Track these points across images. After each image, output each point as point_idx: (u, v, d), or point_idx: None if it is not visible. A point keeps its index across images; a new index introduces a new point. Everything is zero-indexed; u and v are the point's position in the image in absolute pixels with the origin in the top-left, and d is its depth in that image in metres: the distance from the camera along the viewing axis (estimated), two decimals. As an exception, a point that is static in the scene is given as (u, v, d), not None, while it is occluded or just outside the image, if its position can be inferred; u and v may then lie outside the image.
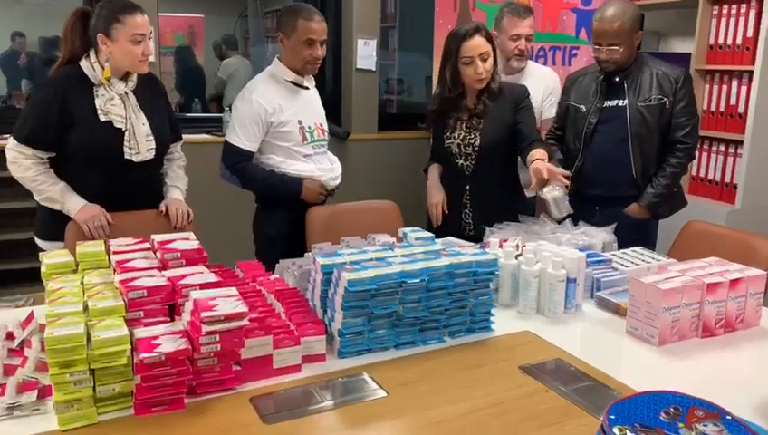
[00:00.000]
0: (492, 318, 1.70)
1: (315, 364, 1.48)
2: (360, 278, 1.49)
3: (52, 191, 2.17)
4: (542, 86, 2.95)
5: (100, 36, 2.13)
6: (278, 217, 2.51)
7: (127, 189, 2.25)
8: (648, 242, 2.53)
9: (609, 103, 2.55)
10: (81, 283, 1.52)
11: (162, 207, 2.27)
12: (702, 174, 3.50)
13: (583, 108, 2.60)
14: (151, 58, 3.86)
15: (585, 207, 2.55)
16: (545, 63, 3.24)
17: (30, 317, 1.55)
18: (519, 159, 2.45)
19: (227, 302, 1.35)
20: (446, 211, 2.54)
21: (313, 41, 2.38)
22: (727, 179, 3.39)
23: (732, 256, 1.90)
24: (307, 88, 2.51)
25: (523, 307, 1.81)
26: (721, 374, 1.52)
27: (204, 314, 1.29)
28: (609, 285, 1.90)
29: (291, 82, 2.46)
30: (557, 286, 1.77)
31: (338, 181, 2.58)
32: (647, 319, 1.62)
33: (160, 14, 4.15)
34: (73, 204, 2.15)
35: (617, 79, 2.52)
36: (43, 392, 1.29)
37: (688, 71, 2.94)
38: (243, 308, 1.33)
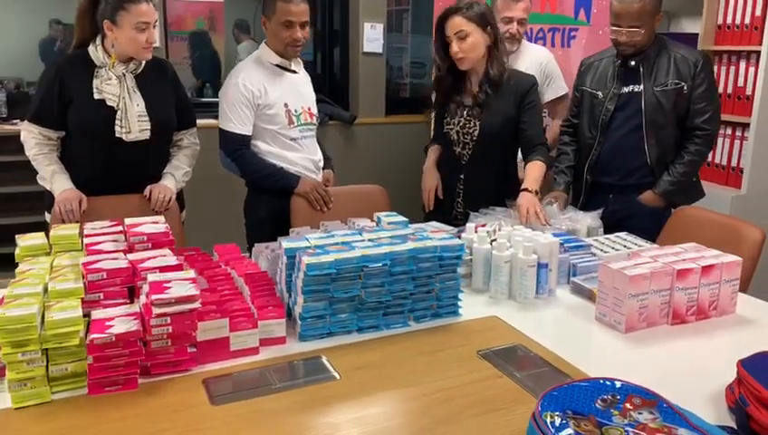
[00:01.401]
0: (459, 303, 1.69)
1: (275, 347, 1.49)
2: (320, 262, 1.50)
3: (44, 171, 2.28)
4: (537, 68, 2.89)
5: (106, 23, 2.20)
6: (267, 200, 2.52)
7: (123, 170, 2.30)
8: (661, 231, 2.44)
9: (625, 89, 2.46)
10: (52, 265, 1.55)
11: (146, 191, 2.30)
12: (708, 158, 3.40)
13: (600, 94, 2.51)
14: (156, 44, 3.90)
15: (599, 195, 2.52)
16: (544, 45, 3.18)
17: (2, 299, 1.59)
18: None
19: (182, 285, 1.36)
20: (440, 196, 2.52)
21: (292, 23, 2.38)
22: (734, 163, 3.30)
23: (719, 243, 1.86)
24: (294, 72, 2.51)
25: (494, 292, 1.80)
26: (687, 362, 1.49)
27: (154, 297, 1.31)
28: (585, 270, 1.88)
29: (276, 65, 2.46)
30: (528, 271, 1.76)
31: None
32: (614, 305, 1.60)
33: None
34: (58, 186, 2.22)
35: (632, 63, 2.44)
36: (2, 371, 1.33)
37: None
38: (194, 291, 1.34)
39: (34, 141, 2.26)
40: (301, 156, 2.50)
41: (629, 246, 2.02)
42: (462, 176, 2.45)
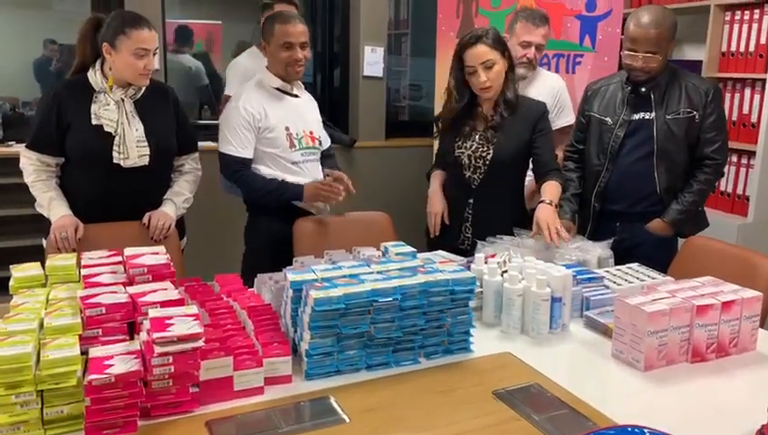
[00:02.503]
0: (471, 339, 1.63)
1: (280, 386, 1.43)
2: (328, 297, 1.44)
3: (42, 198, 2.23)
4: (550, 95, 2.84)
5: (105, 46, 2.17)
6: (266, 226, 2.46)
7: (122, 196, 2.25)
8: (669, 261, 2.36)
9: (635, 116, 2.42)
10: (48, 298, 1.49)
11: (145, 218, 2.24)
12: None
13: (609, 120, 2.46)
14: (156, 66, 3.87)
15: (606, 223, 2.47)
16: (548, 70, 3.15)
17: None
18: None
19: (184, 322, 1.30)
20: (447, 222, 2.47)
21: (291, 44, 2.35)
22: (740, 191, 3.27)
23: (732, 275, 1.81)
24: (296, 96, 2.47)
25: (506, 327, 1.74)
26: (710, 402, 1.44)
27: (156, 335, 1.24)
28: (599, 304, 1.82)
29: (277, 88, 2.43)
30: (541, 306, 1.70)
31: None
32: (632, 342, 1.54)
33: (180, 20, 4.17)
34: (55, 213, 2.17)
35: (643, 90, 2.40)
36: (-7, 413, 1.26)
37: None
38: (198, 329, 1.28)
39: (33, 168, 2.22)
40: (303, 180, 2.45)
41: (643, 279, 1.96)
42: (471, 201, 2.40)
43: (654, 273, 2.03)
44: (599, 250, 2.16)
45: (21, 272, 1.62)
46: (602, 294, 1.85)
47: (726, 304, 1.59)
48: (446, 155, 2.43)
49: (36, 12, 6.12)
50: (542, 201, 2.20)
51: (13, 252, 3.52)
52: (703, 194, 2.43)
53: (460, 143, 2.38)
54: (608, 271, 2.04)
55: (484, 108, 2.35)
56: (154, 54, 2.21)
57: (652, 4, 3.16)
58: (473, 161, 2.36)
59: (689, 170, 2.42)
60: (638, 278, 1.97)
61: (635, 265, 2.09)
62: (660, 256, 2.27)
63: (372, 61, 4.45)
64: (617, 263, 2.17)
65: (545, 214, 2.14)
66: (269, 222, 2.46)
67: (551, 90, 2.85)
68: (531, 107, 2.36)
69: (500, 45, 2.27)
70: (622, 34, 2.59)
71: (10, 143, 3.71)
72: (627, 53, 2.37)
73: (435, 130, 2.51)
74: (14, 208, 3.43)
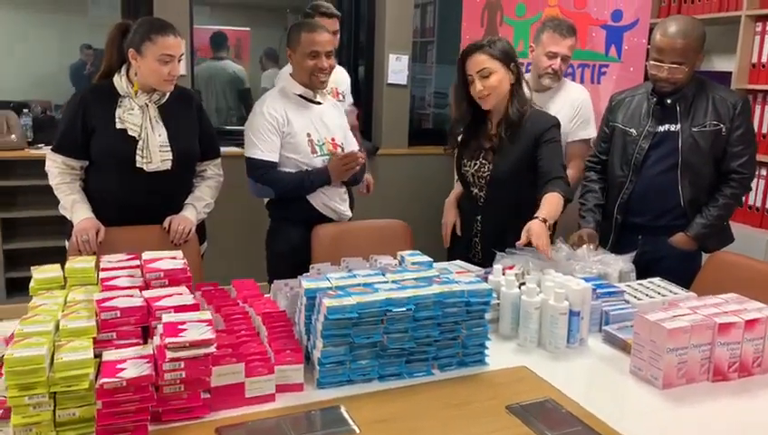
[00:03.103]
0: (486, 351, 1.61)
1: (292, 394, 1.42)
2: (342, 305, 1.43)
3: (65, 200, 2.27)
4: (571, 107, 2.79)
5: (131, 51, 2.20)
6: (288, 232, 2.47)
7: (144, 200, 2.27)
8: (693, 276, 2.30)
9: (660, 128, 2.37)
10: (66, 300, 1.50)
11: (166, 222, 2.26)
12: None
13: (633, 132, 2.42)
14: (182, 72, 3.91)
15: (628, 236, 2.43)
16: (573, 81, 3.10)
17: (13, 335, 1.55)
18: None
19: (197, 327, 1.31)
20: (459, 233, 2.45)
21: (318, 52, 2.36)
22: (769, 205, 3.20)
23: (759, 292, 1.76)
24: (318, 103, 2.48)
25: (523, 340, 1.72)
26: (731, 423, 1.40)
27: (168, 340, 1.25)
28: (619, 319, 1.79)
29: (299, 95, 2.44)
30: (559, 319, 1.67)
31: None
32: (651, 359, 1.51)
33: (207, 26, 4.22)
34: (78, 216, 2.20)
35: (669, 101, 2.35)
36: (8, 413, 1.27)
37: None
38: (210, 335, 1.28)
39: (57, 171, 2.25)
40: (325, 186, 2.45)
41: (665, 294, 1.92)
42: (479, 217, 2.38)
43: (676, 288, 1.99)
44: (620, 263, 2.12)
45: (41, 273, 1.64)
46: (622, 309, 1.82)
47: (750, 323, 1.55)
48: (457, 171, 2.43)
49: (73, 17, 6.25)
50: (534, 217, 2.04)
51: (43, 253, 3.59)
52: (728, 208, 2.38)
53: (466, 161, 2.37)
54: (629, 285, 2.01)
55: (491, 124, 2.32)
56: (179, 61, 2.23)
57: (680, 14, 3.10)
58: (476, 180, 2.34)
59: (715, 184, 2.37)
60: (659, 293, 1.93)
61: (657, 280, 2.05)
62: (683, 271, 2.22)
63: (397, 69, 4.46)
64: (638, 276, 2.13)
65: (534, 227, 1.99)
66: (291, 228, 2.46)
67: (573, 101, 2.81)
68: (538, 120, 2.27)
69: (505, 57, 2.22)
70: (648, 44, 2.54)
71: (39, 145, 3.77)
72: (652, 63, 2.32)
73: (448, 145, 2.49)
74: (44, 210, 3.49)
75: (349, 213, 2.60)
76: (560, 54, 2.73)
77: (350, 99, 3.53)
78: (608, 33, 3.20)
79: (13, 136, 3.70)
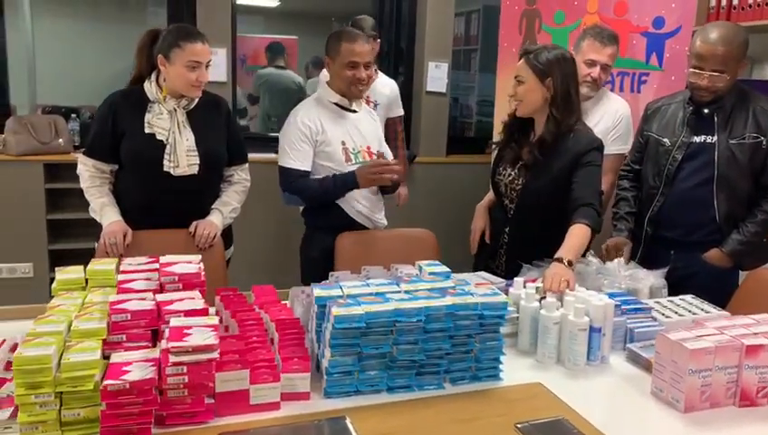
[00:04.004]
0: (501, 366, 1.56)
1: (298, 403, 1.41)
2: (350, 315, 1.42)
3: (95, 203, 2.32)
4: (612, 117, 2.71)
5: (160, 57, 2.24)
6: (320, 238, 2.46)
7: (171, 204, 2.30)
8: (727, 294, 2.17)
9: (696, 139, 2.29)
10: (84, 301, 1.53)
11: (192, 227, 2.29)
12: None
13: (667, 141, 2.33)
14: (223, 78, 3.94)
15: (659, 250, 2.35)
16: (612, 90, 3.01)
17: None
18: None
19: (202, 332, 1.31)
20: (487, 241, 2.40)
21: (357, 63, 2.35)
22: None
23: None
24: (354, 111, 2.47)
25: (541, 356, 1.67)
26: (757, 452, 1.32)
27: (171, 345, 1.26)
28: (644, 336, 1.72)
29: (335, 104, 2.43)
30: (578, 335, 1.62)
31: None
32: (672, 380, 1.44)
33: (256, 35, 4.28)
34: (107, 219, 2.25)
35: (706, 111, 2.27)
36: (18, 411, 1.30)
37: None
38: (213, 340, 1.28)
39: (88, 174, 2.31)
40: (358, 194, 2.43)
41: (696, 312, 1.84)
42: (507, 228, 2.32)
43: (709, 306, 1.90)
44: (651, 279, 2.04)
45: (64, 274, 1.68)
46: (648, 327, 1.75)
47: (781, 346, 1.46)
48: (492, 177, 2.38)
49: (132, 26, 6.45)
50: (556, 258, 1.90)
51: (85, 253, 3.68)
52: (766, 225, 2.27)
53: (501, 169, 2.32)
54: (658, 302, 1.93)
55: (535, 134, 2.23)
56: (207, 67, 2.26)
57: (723, 20, 2.97)
58: (508, 191, 2.28)
59: (752, 199, 2.26)
60: (690, 311, 1.85)
61: (689, 298, 1.97)
62: (717, 289, 2.11)
63: (436, 76, 4.44)
64: (670, 293, 2.04)
65: (553, 272, 1.83)
66: (324, 235, 2.45)
67: (614, 113, 2.71)
68: (580, 140, 2.14)
69: (540, 70, 2.11)
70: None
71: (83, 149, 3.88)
72: (692, 70, 2.23)
73: (490, 147, 2.45)
74: (84, 212, 3.59)
75: (384, 221, 2.58)
76: (599, 63, 2.64)
77: (400, 110, 3.61)
78: (649, 40, 3.10)
79: (60, 140, 3.83)
